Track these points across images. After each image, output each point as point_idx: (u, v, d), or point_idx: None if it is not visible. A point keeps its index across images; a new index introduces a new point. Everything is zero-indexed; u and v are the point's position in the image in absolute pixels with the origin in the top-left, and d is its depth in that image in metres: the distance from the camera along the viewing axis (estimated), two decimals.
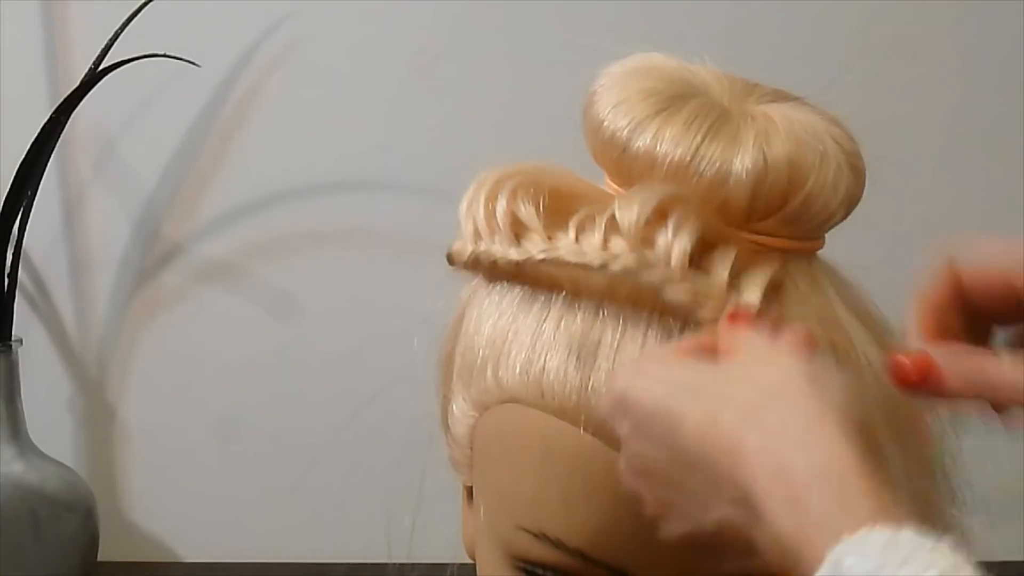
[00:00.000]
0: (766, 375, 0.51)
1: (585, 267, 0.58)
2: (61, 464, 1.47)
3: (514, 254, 0.60)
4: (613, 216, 0.58)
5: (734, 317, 0.56)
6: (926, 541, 0.45)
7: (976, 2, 1.54)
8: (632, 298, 0.59)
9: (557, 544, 0.59)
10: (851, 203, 0.62)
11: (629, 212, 0.58)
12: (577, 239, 0.59)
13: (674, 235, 0.57)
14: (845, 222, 0.64)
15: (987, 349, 0.59)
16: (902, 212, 1.47)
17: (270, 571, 1.57)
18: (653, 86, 0.62)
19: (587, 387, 0.58)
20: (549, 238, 0.60)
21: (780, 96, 0.64)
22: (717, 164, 0.59)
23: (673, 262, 0.57)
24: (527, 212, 0.61)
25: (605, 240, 0.58)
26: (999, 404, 0.56)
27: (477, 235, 0.62)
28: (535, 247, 0.60)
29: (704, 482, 0.51)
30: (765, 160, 0.58)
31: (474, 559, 0.67)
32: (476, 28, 1.55)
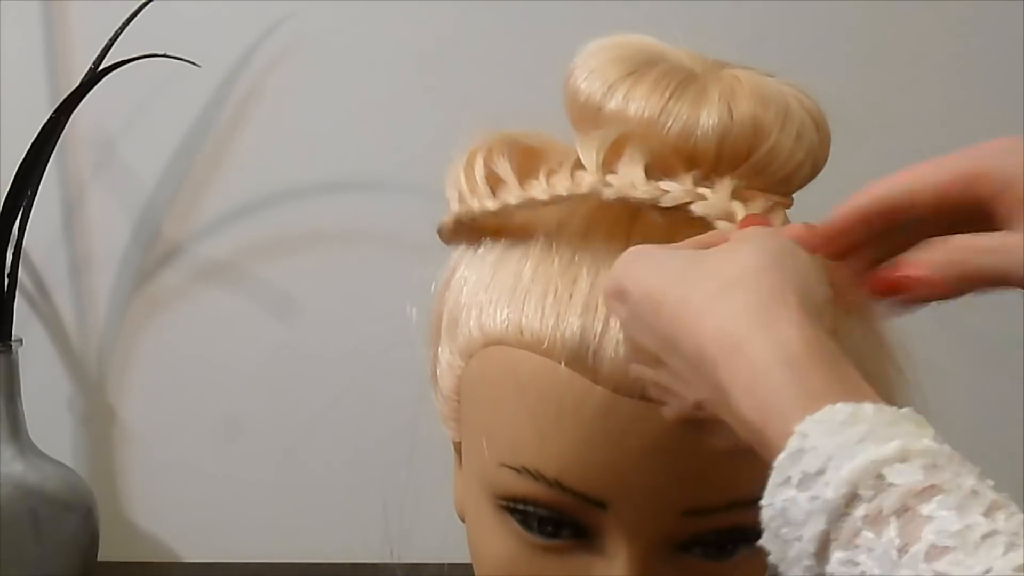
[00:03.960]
0: (736, 257, 0.52)
1: (555, 199, 0.61)
2: (61, 464, 1.47)
3: (490, 204, 0.64)
4: (578, 159, 0.62)
5: (747, 223, 0.59)
6: (886, 414, 0.46)
7: (976, 2, 1.54)
8: (607, 238, 0.62)
9: (536, 476, 0.61)
10: (816, 159, 0.65)
11: (589, 150, 0.62)
12: (548, 183, 0.63)
13: (630, 159, 0.61)
14: None
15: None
16: None
17: (270, 571, 1.57)
18: (625, 54, 0.65)
19: (562, 322, 0.61)
20: (523, 187, 0.63)
21: (749, 68, 0.66)
22: (684, 119, 0.62)
23: (633, 177, 0.60)
24: (504, 168, 0.64)
25: (572, 175, 0.62)
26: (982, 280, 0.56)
27: (461, 200, 0.66)
28: (510, 195, 0.63)
29: (682, 364, 0.52)
30: (730, 114, 0.62)
31: (464, 520, 0.69)
32: (476, 28, 1.55)
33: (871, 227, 0.57)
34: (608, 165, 0.61)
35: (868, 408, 0.46)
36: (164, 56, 1.43)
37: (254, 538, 1.60)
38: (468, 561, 0.68)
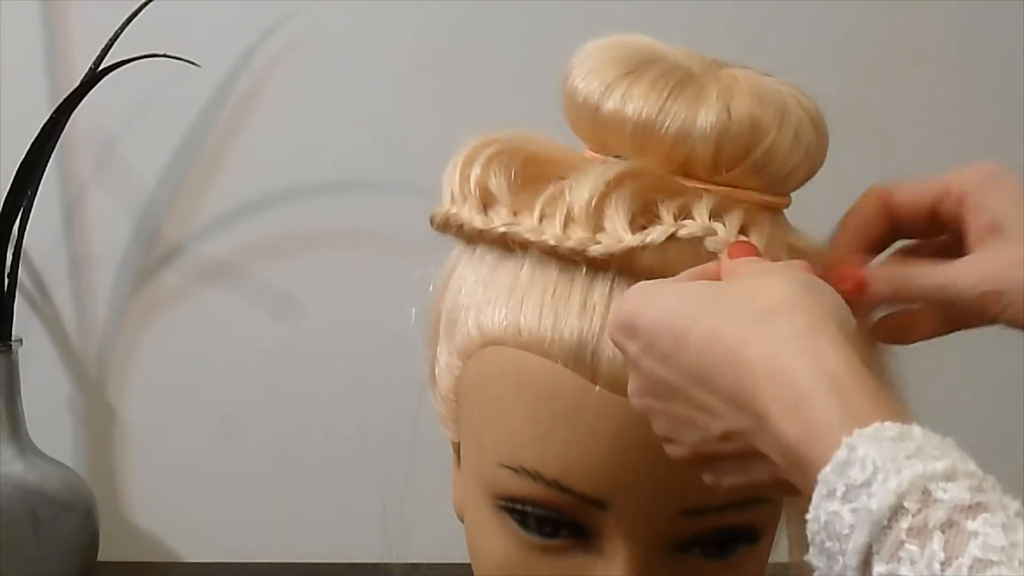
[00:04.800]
0: (766, 287, 0.53)
1: (541, 244, 0.62)
2: (61, 464, 1.47)
3: (478, 222, 0.64)
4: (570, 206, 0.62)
5: (735, 250, 0.59)
6: (934, 438, 0.46)
7: (976, 2, 1.54)
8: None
9: (535, 476, 0.61)
10: (814, 159, 0.65)
11: (580, 196, 0.61)
12: (540, 221, 0.62)
13: (617, 209, 0.61)
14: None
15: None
16: None
17: (270, 571, 1.57)
18: (623, 54, 0.65)
19: (561, 322, 0.61)
20: (515, 213, 0.63)
21: (747, 68, 0.66)
22: (682, 118, 0.62)
23: (619, 233, 0.60)
24: (497, 183, 0.64)
25: (565, 225, 0.62)
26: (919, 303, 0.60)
27: (452, 199, 0.66)
28: (498, 219, 0.63)
29: (709, 394, 0.52)
30: (728, 113, 0.62)
31: (463, 520, 0.69)
32: (476, 28, 1.55)
33: (870, 241, 0.61)
34: (597, 215, 0.61)
35: (917, 430, 0.46)
36: (164, 56, 1.43)
37: (254, 538, 1.60)
38: (468, 561, 0.68)
